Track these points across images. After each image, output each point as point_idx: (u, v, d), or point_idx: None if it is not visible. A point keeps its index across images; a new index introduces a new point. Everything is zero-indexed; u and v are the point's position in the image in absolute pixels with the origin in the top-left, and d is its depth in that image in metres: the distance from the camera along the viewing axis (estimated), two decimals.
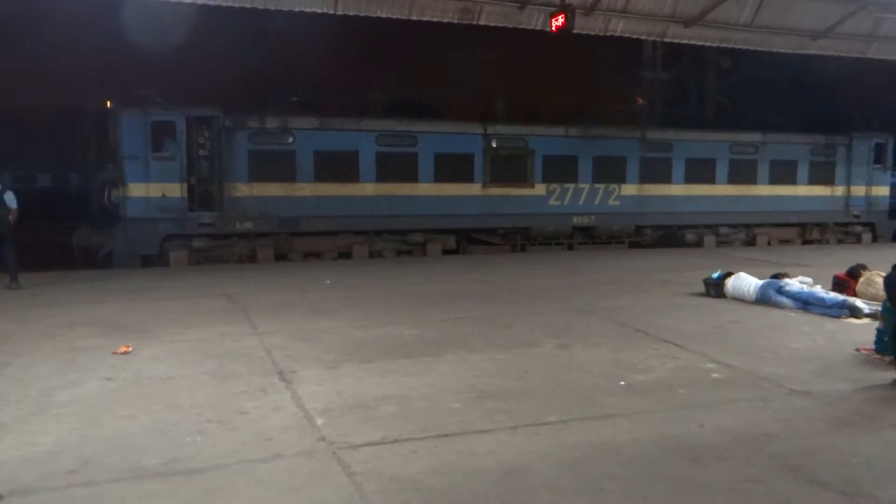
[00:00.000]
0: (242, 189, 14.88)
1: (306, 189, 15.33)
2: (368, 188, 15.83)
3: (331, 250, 15.86)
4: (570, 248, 17.96)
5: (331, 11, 12.30)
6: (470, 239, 17.20)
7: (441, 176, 16.42)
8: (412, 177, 16.21)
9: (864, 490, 4.00)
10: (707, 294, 10.54)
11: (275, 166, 15.13)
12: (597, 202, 17.84)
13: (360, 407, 5.36)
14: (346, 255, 15.91)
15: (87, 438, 4.70)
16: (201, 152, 14.77)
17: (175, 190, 14.33)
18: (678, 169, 18.53)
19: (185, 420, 5.04)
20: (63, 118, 20.92)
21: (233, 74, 18.14)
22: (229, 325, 8.26)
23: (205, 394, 5.67)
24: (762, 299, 9.78)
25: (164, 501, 3.83)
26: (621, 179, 18.05)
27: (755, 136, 19.35)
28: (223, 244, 15.04)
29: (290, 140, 15.23)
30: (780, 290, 9.69)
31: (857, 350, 7.23)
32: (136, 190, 14.16)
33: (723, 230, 19.37)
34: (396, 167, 16.06)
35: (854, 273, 10.29)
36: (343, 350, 7.13)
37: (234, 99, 16.21)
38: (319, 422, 5.02)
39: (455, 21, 13.06)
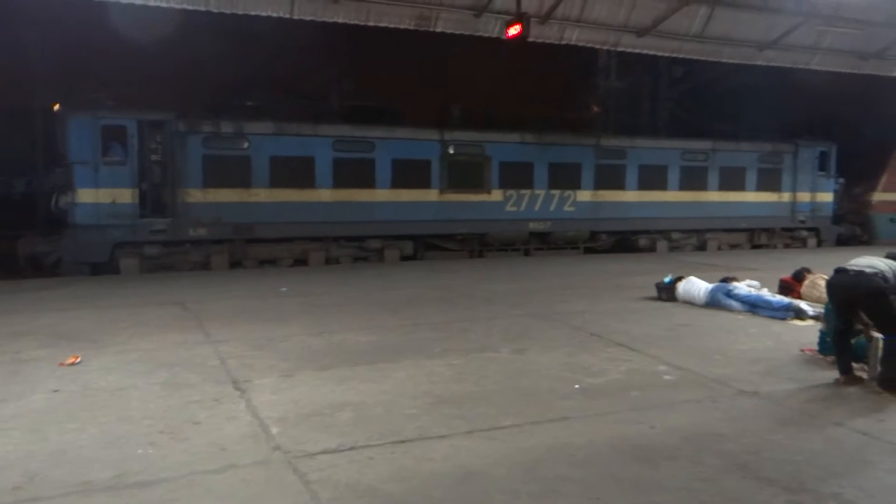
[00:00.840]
0: (196, 195, 14.63)
1: (262, 195, 15.15)
2: (325, 194, 15.73)
3: (287, 257, 15.70)
4: (527, 253, 18.12)
5: (286, 16, 12.20)
6: (427, 245, 17.22)
7: (398, 182, 16.41)
8: (369, 183, 16.16)
9: (807, 486, 4.14)
10: (659, 298, 10.75)
11: (229, 172, 14.91)
12: (552, 208, 18.03)
13: (316, 415, 5.33)
14: (302, 262, 15.77)
15: (33, 453, 4.57)
16: (153, 157, 14.47)
17: (126, 196, 14.00)
18: (632, 176, 18.87)
19: (135, 432, 4.94)
20: (7, 121, 20.29)
21: (188, 78, 17.82)
22: (182, 334, 8.12)
23: (156, 404, 5.56)
24: (712, 303, 10.03)
25: None
26: (576, 186, 18.29)
27: (705, 144, 19.82)
28: (176, 251, 14.76)
29: (246, 145, 15.04)
30: (728, 294, 9.95)
31: (802, 351, 7.47)
32: (86, 196, 13.78)
33: (675, 235, 19.78)
34: (353, 173, 16.00)
35: (799, 276, 10.62)
36: (299, 358, 7.08)
37: (190, 103, 15.93)
38: (275, 430, 4.98)
39: (412, 27, 13.09)
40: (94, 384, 6.12)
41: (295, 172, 15.46)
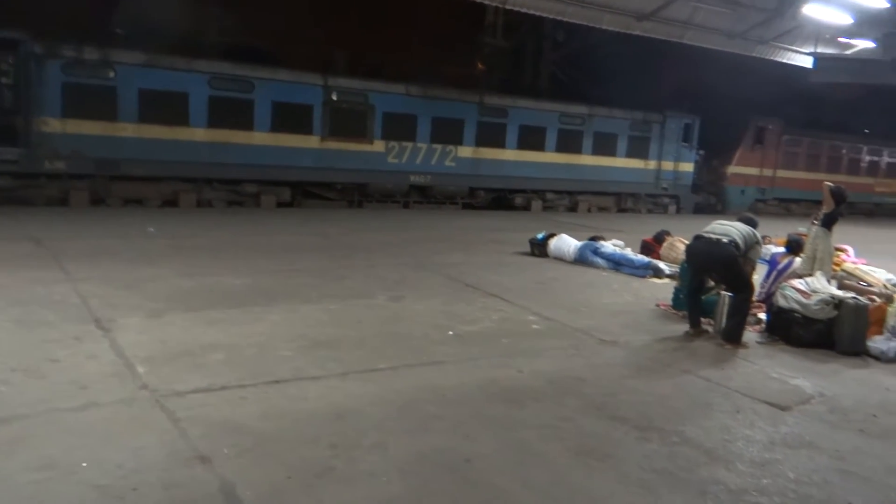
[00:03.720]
0: (54, 125, 13.49)
1: (129, 129, 14.19)
2: (199, 133, 14.96)
3: (155, 197, 14.89)
4: (407, 206, 18.19)
5: None
6: (306, 193, 16.88)
7: (278, 126, 15.87)
8: (247, 125, 15.52)
9: (656, 424, 4.52)
10: (532, 253, 11.18)
11: (93, 102, 13.83)
12: (434, 162, 18.13)
13: (186, 355, 5.19)
14: (172, 203, 15.03)
15: None
16: (4, 80, 13.20)
17: None
18: (512, 135, 19.24)
19: None
20: None
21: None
22: (37, 271, 7.58)
23: (9, 342, 5.21)
24: (580, 259, 10.55)
25: None
26: (458, 141, 18.44)
27: (582, 109, 20.50)
28: (30, 184, 13.61)
29: (112, 75, 13.98)
30: (595, 252, 10.51)
31: (658, 306, 8.06)
32: None
33: (549, 196, 20.47)
34: (230, 113, 15.29)
35: (659, 238, 11.37)
36: (168, 298, 6.82)
37: (51, 24, 14.52)
38: (141, 370, 4.80)
39: None
40: None
41: (167, 108, 14.56)
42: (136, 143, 14.23)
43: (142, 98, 14.23)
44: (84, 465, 3.41)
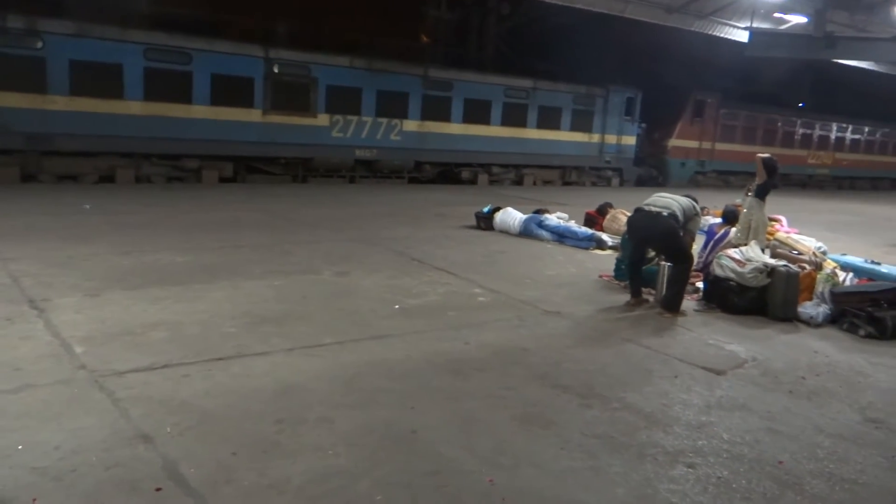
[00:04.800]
0: None
1: (60, 103, 13.64)
2: (134, 106, 14.48)
3: (91, 173, 14.40)
4: (352, 181, 18.03)
5: None
6: (249, 168, 16.56)
7: (218, 99, 15.48)
8: (186, 98, 15.10)
9: (597, 391, 4.64)
10: (478, 227, 11.25)
11: (19, 74, 13.22)
12: (379, 136, 17.99)
13: (126, 334, 5.07)
14: (109, 179, 14.56)
15: None
16: None
17: None
18: (457, 109, 19.22)
19: None
20: None
21: None
22: None
23: None
24: (525, 232, 10.67)
25: None
26: (403, 115, 18.33)
27: (527, 83, 20.59)
28: None
29: (40, 45, 13.39)
30: (540, 224, 10.63)
31: (600, 277, 8.22)
32: None
33: (495, 169, 20.57)
34: (168, 86, 14.84)
35: (602, 211, 11.56)
36: (106, 277, 6.64)
37: None
38: (79, 350, 4.68)
39: None
40: None
41: (100, 80, 14.05)
42: (68, 117, 13.71)
43: (73, 69, 13.68)
44: (20, 447, 3.32)
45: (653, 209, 6.89)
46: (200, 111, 15.28)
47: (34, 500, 2.91)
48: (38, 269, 6.76)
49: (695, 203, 7.12)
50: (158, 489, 3.06)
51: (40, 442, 3.39)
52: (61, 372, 4.31)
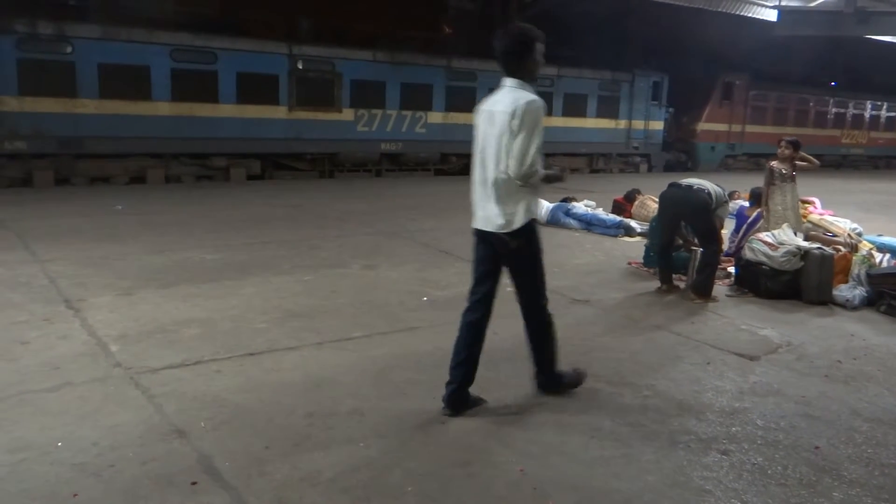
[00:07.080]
0: (10, 103, 13.15)
1: (90, 106, 13.89)
2: (163, 107, 14.69)
3: (122, 175, 14.66)
4: (378, 174, 18.09)
5: None
6: (276, 164, 16.71)
7: (244, 97, 15.64)
8: (212, 97, 15.28)
9: (628, 379, 4.60)
10: None
11: (51, 79, 13.49)
12: (404, 129, 18.01)
13: (159, 332, 5.16)
14: (139, 180, 14.81)
15: None
16: None
17: None
18: (481, 99, 19.07)
19: None
20: None
21: None
22: (2, 253, 7.46)
23: None
24: (552, 220, 10.61)
25: None
26: (428, 107, 18.32)
27: (551, 70, 20.39)
28: None
29: (69, 50, 13.63)
30: (567, 213, 10.57)
31: (629, 264, 8.15)
32: None
33: None
34: (194, 86, 15.03)
35: (630, 197, 11.45)
36: (139, 276, 6.76)
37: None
38: (114, 348, 4.78)
39: None
40: None
41: (128, 82, 14.28)
42: (98, 120, 13.96)
43: (102, 73, 13.91)
44: (59, 444, 3.41)
45: (686, 182, 6.87)
46: (227, 110, 15.45)
47: (75, 495, 2.98)
48: (73, 269, 6.91)
49: (724, 190, 7.03)
50: (194, 483, 3.12)
51: (79, 438, 3.47)
52: (97, 370, 4.40)
